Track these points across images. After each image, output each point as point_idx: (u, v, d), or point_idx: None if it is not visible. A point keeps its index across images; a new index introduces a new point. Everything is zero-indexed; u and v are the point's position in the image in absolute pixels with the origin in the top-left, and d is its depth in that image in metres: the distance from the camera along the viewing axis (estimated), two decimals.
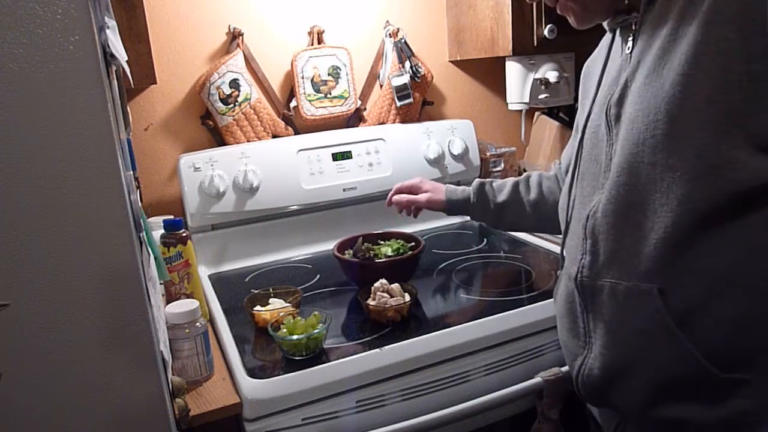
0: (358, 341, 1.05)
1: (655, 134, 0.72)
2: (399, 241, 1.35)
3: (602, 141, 0.83)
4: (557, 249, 1.42)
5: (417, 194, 1.27)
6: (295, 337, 0.99)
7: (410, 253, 1.28)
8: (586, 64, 0.99)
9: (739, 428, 0.73)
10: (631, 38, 0.80)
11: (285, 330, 1.01)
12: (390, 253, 1.29)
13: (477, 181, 1.24)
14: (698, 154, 0.69)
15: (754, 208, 0.69)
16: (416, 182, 1.29)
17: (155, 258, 0.91)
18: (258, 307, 1.14)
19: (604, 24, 0.88)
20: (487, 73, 1.84)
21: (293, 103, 1.58)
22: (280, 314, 1.07)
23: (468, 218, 1.71)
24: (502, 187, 1.22)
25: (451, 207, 1.25)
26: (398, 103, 1.64)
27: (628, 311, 0.77)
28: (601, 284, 0.80)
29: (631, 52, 0.79)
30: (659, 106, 0.71)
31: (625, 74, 0.79)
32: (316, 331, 1.00)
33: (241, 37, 1.50)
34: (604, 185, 0.80)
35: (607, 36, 0.91)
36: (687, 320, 0.73)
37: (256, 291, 1.21)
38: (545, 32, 1.49)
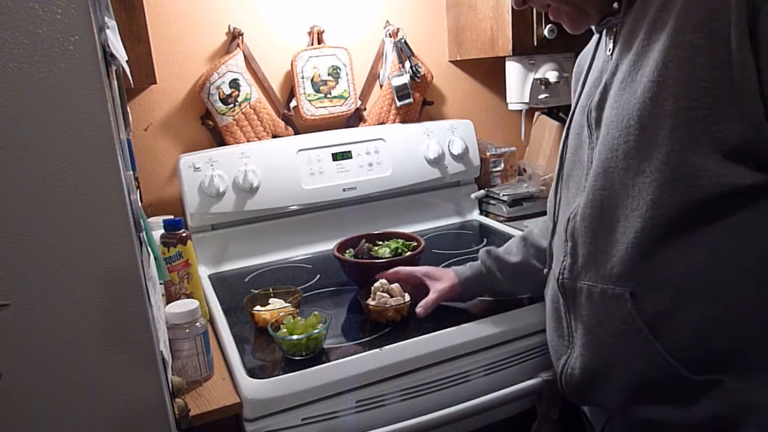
0: (358, 341, 1.05)
1: (628, 140, 0.73)
2: (399, 240, 1.35)
3: (585, 143, 0.84)
4: None
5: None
6: (295, 337, 0.99)
7: (410, 253, 1.28)
8: (577, 63, 1.00)
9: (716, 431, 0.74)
10: (612, 40, 0.81)
11: (285, 330, 1.01)
12: (389, 254, 1.29)
13: (482, 251, 1.13)
14: (666, 160, 0.70)
15: (720, 215, 0.70)
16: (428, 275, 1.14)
17: (155, 258, 0.91)
18: (258, 307, 1.14)
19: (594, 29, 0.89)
20: (487, 73, 1.84)
21: (293, 103, 1.58)
22: (280, 314, 1.07)
23: (468, 218, 1.73)
24: (510, 249, 1.12)
25: (464, 287, 1.12)
26: (398, 103, 1.64)
27: (604, 314, 0.79)
28: (580, 286, 0.82)
29: (611, 54, 0.80)
30: (632, 113, 0.73)
31: (606, 77, 0.80)
32: (316, 331, 1.00)
33: (241, 37, 1.50)
34: (585, 188, 0.81)
35: (595, 36, 0.91)
36: (658, 324, 0.74)
37: (256, 291, 1.20)
38: (545, 32, 1.48)
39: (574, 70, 1.00)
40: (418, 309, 1.08)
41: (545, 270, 0.96)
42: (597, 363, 0.81)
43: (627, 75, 0.75)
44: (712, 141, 0.68)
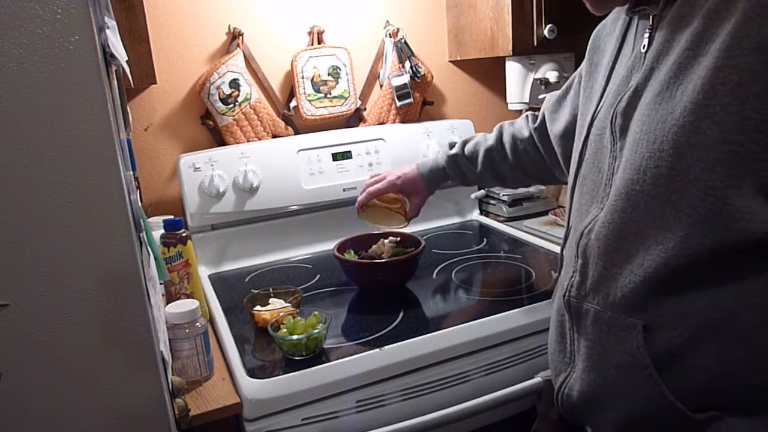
0: (358, 341, 1.05)
1: (659, 165, 0.66)
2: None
3: (606, 148, 0.77)
4: (558, 249, 1.42)
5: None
6: (295, 337, 0.99)
7: (410, 252, 1.27)
8: (596, 33, 0.91)
9: None
10: (647, 36, 0.73)
11: (285, 330, 1.01)
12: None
13: (447, 154, 1.26)
14: (703, 197, 0.63)
15: (756, 261, 0.64)
16: (389, 182, 1.30)
17: (155, 258, 0.91)
18: (258, 307, 1.14)
19: (624, 10, 0.80)
20: (487, 73, 1.84)
21: (293, 103, 1.58)
22: (280, 314, 1.07)
23: (468, 218, 1.73)
24: (474, 155, 1.23)
25: (430, 189, 1.29)
26: (398, 103, 1.64)
27: (609, 342, 0.74)
28: (587, 308, 0.76)
29: (645, 52, 0.73)
30: (666, 135, 0.65)
31: (637, 78, 0.72)
32: (316, 331, 1.00)
33: (241, 37, 1.50)
34: (603, 200, 0.76)
35: (623, 15, 0.83)
36: (667, 362, 0.69)
37: (256, 291, 1.21)
38: (545, 32, 1.48)
39: (593, 42, 0.90)
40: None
41: (555, 275, 0.91)
42: (596, 390, 0.77)
43: (664, 87, 0.66)
44: (758, 181, 0.61)
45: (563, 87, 1.09)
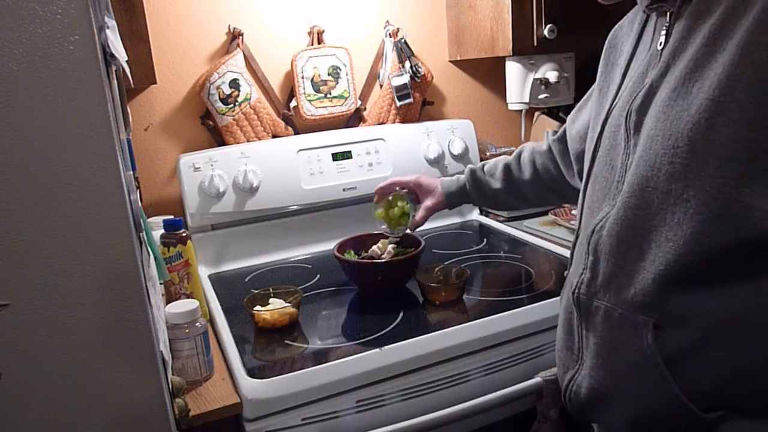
0: (358, 341, 1.05)
1: (674, 161, 0.66)
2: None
3: (620, 146, 0.77)
4: (558, 249, 1.43)
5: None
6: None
7: (410, 252, 1.27)
8: (613, 32, 0.90)
9: None
10: (664, 32, 0.72)
11: (381, 211, 1.28)
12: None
13: (469, 168, 1.26)
14: (716, 194, 0.63)
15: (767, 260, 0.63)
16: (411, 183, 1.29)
17: (155, 258, 0.91)
18: (258, 307, 1.14)
19: (642, 7, 0.80)
20: (487, 73, 1.84)
21: (293, 103, 1.58)
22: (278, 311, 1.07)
23: (468, 218, 1.73)
24: (493, 171, 1.23)
25: (450, 201, 1.27)
26: (398, 103, 1.64)
27: (620, 340, 0.73)
28: (597, 305, 0.76)
29: (662, 49, 0.72)
30: (682, 131, 0.65)
31: (652, 76, 0.72)
32: (408, 204, 1.22)
33: (241, 37, 1.50)
34: (615, 197, 0.75)
35: (640, 13, 0.83)
36: (678, 361, 0.68)
37: (256, 291, 1.20)
38: (545, 32, 1.49)
39: (610, 42, 0.90)
40: (409, 229, 1.27)
41: (565, 272, 0.90)
42: (605, 387, 0.76)
43: (680, 84, 0.66)
44: None
45: (586, 95, 1.07)
